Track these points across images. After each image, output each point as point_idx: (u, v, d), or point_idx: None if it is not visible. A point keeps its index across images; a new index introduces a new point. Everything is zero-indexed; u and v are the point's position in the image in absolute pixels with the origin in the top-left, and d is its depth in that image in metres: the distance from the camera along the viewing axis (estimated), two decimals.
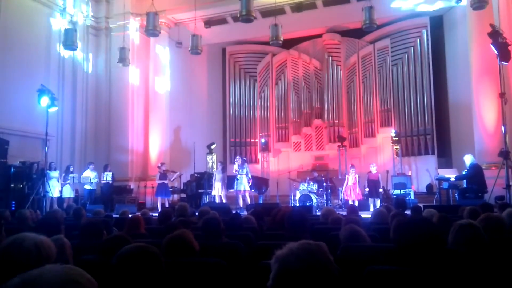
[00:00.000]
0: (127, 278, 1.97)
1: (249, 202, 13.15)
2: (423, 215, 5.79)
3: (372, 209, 12.60)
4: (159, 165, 14.33)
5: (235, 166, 13.62)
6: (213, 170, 16.49)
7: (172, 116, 17.83)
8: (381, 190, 13.16)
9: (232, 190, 13.77)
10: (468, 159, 10.99)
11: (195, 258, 3.04)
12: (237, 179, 13.35)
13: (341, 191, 13.64)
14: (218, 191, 13.69)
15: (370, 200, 13.16)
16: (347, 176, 13.51)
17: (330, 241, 3.42)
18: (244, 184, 13.27)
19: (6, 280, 1.81)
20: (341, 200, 13.75)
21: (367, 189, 13.33)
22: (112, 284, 1.92)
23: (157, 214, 8.01)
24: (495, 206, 7.62)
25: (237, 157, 14.63)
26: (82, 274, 1.18)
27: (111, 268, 2.01)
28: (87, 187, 13.71)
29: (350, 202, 12.84)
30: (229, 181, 13.92)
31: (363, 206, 12.91)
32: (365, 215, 8.23)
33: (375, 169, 13.48)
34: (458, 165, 14.34)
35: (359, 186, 13.33)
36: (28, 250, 1.90)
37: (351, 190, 13.16)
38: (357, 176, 13.33)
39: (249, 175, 13.56)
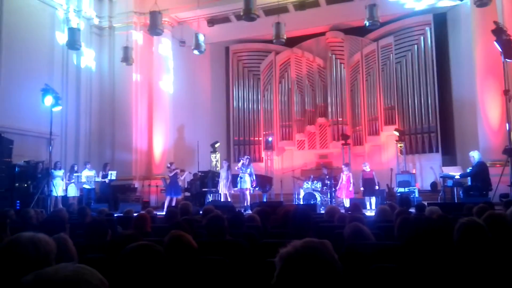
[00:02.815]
0: (131, 275, 1.98)
1: (249, 201, 13.14)
2: (424, 213, 5.79)
3: (368, 207, 12.65)
4: (169, 164, 14.26)
5: (239, 164, 13.58)
6: (217, 168, 16.51)
7: (176, 114, 17.84)
8: (377, 187, 13.16)
9: (236, 189, 13.78)
10: (476, 155, 10.96)
11: (199, 256, 3.04)
12: (241, 178, 13.35)
13: (335, 190, 13.66)
14: (224, 189, 13.69)
15: (367, 198, 13.14)
16: (341, 174, 13.53)
17: (334, 239, 3.42)
18: (246, 183, 13.28)
19: (6, 278, 1.83)
20: (333, 199, 13.73)
21: (361, 188, 13.33)
22: (116, 281, 1.94)
23: (161, 213, 8.03)
24: (500, 204, 7.61)
25: (245, 156, 14.57)
26: (94, 274, 1.20)
27: (115, 265, 2.02)
28: (86, 186, 13.70)
29: (344, 201, 12.95)
30: (233, 179, 13.92)
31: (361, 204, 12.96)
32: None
33: (368, 167, 13.48)
34: (463, 163, 14.29)
35: (353, 184, 13.35)
36: (26, 248, 1.94)
37: (343, 189, 13.19)
38: (350, 174, 13.34)
39: (253, 176, 13.55)
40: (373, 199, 12.91)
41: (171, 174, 13.83)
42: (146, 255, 2.06)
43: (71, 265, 1.20)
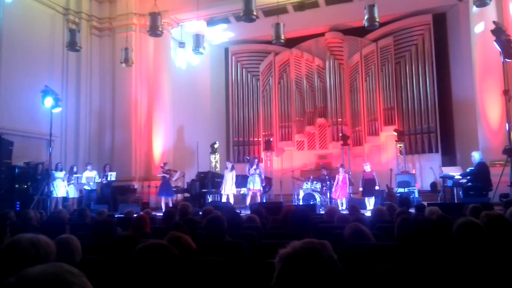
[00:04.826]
0: (146, 272, 1.96)
1: (259, 201, 13.23)
2: (424, 213, 5.79)
3: (369, 207, 12.68)
4: (162, 165, 14.35)
5: (251, 169, 13.70)
6: (217, 169, 16.52)
7: (175, 115, 17.84)
8: (377, 187, 13.18)
9: (244, 189, 13.88)
10: (477, 155, 10.97)
11: (198, 257, 3.04)
12: (249, 180, 13.50)
13: (332, 191, 13.71)
14: (228, 190, 13.73)
15: (367, 199, 13.17)
16: (337, 176, 13.58)
17: (334, 239, 3.42)
18: (257, 183, 13.41)
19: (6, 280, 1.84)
20: (333, 200, 13.75)
21: (360, 189, 13.36)
22: (130, 277, 1.92)
23: (160, 214, 8.01)
24: (500, 204, 7.61)
25: (252, 158, 14.78)
26: (72, 267, 1.23)
27: (129, 261, 2.00)
28: (87, 187, 13.71)
29: (339, 201, 13.04)
30: (240, 180, 14.01)
31: (360, 204, 12.96)
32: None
33: (369, 167, 13.53)
34: (462, 163, 14.30)
35: (350, 185, 13.42)
36: (26, 250, 1.95)
37: (339, 190, 13.24)
38: (346, 175, 13.41)
39: (262, 176, 13.77)
40: (372, 200, 12.92)
41: (159, 175, 13.99)
42: (162, 253, 2.04)
43: (48, 263, 1.22)
